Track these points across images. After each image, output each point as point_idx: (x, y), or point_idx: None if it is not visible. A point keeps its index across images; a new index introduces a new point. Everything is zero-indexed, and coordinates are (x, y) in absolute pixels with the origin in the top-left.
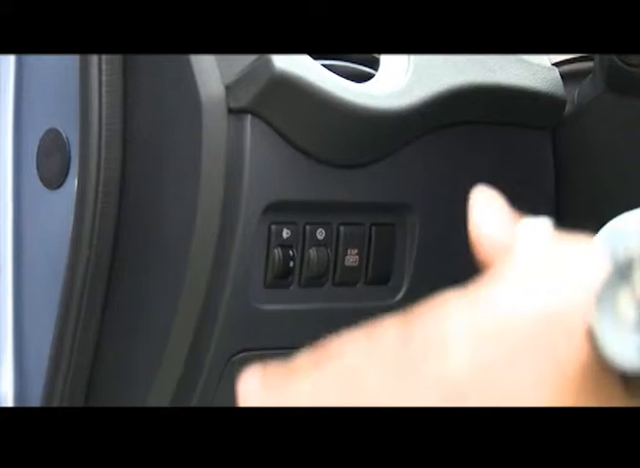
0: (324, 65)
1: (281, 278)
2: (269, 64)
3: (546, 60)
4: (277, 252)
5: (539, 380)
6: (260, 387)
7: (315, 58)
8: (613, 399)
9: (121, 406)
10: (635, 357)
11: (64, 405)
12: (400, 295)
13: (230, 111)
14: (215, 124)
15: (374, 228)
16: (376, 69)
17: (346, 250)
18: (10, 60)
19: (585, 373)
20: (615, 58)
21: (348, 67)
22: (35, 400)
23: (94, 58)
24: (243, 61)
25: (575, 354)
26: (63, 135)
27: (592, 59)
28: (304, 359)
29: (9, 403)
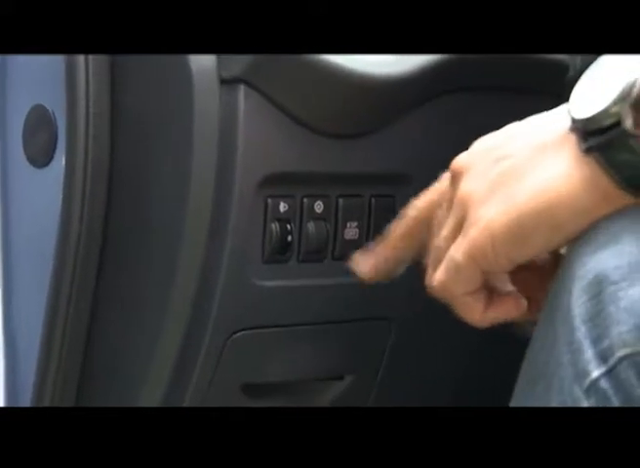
0: None
1: (279, 253)
2: None
3: None
4: (274, 226)
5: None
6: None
7: None
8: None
9: (116, 393)
10: (587, 107)
11: (57, 392)
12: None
13: (222, 81)
14: (206, 95)
15: (374, 200)
16: None
17: (346, 222)
18: None
19: (561, 135)
20: None
21: None
22: (26, 393)
23: None
24: None
25: (556, 127)
26: (50, 111)
27: None
28: None
29: None
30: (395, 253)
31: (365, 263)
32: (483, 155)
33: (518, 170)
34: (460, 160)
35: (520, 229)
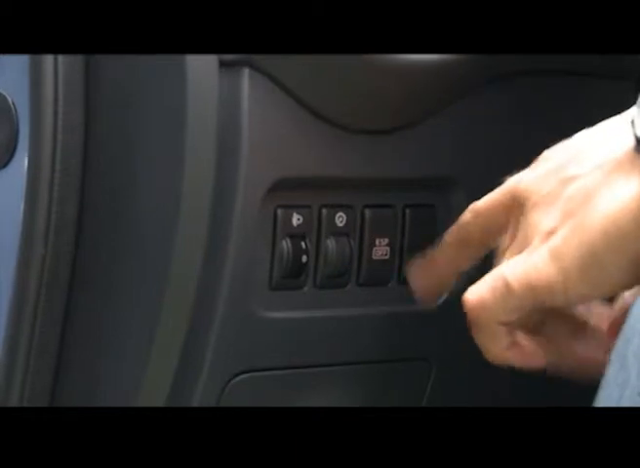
0: None
1: (291, 277)
2: None
3: None
4: (286, 243)
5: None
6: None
7: None
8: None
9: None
10: None
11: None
12: (442, 298)
13: (222, 64)
14: (203, 81)
15: (408, 211)
16: None
17: (374, 239)
18: None
19: (629, 154)
20: None
21: None
22: None
23: None
24: None
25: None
26: (9, 99)
27: None
28: None
29: None
30: (450, 267)
31: (420, 278)
32: (548, 177)
33: (588, 194)
34: (525, 183)
35: (594, 261)
